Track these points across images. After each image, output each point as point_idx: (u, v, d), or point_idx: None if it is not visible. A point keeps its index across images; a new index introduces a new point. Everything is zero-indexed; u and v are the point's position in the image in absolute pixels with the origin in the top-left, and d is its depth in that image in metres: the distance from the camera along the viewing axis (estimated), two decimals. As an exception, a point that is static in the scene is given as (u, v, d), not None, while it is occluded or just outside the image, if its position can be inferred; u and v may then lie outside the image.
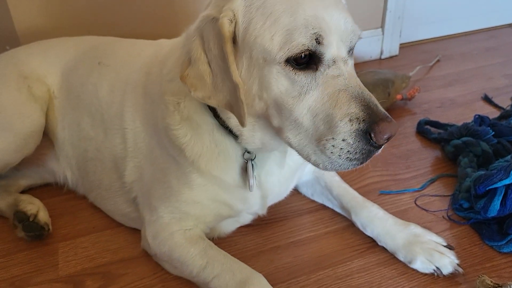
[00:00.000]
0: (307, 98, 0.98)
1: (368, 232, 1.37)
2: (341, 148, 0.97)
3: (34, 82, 1.54)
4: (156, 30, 2.09)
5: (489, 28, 2.88)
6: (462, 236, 1.38)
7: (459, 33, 2.82)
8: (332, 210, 1.50)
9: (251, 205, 1.31)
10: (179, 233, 1.26)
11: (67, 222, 1.51)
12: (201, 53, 1.03)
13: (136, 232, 1.42)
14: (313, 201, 1.55)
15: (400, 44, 2.63)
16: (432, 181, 1.61)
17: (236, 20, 1.00)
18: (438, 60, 2.50)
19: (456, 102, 2.10)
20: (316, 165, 1.03)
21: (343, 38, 0.99)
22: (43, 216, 1.45)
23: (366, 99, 0.97)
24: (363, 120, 0.95)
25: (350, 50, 1.04)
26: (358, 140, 0.96)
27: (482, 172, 1.38)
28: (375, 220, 1.36)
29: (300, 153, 1.06)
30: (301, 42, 0.94)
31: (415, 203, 1.51)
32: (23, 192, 1.59)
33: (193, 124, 1.18)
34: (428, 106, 2.09)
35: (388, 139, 0.96)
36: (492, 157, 1.58)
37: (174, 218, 1.27)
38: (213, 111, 1.17)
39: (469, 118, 1.93)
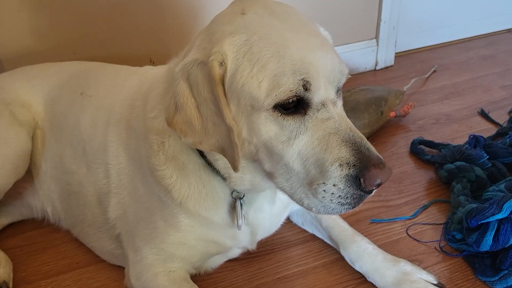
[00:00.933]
0: (296, 142, 0.95)
1: (357, 268, 1.33)
2: (332, 193, 0.94)
3: (18, 108, 1.50)
4: (145, 48, 2.05)
5: (487, 34, 2.82)
6: (455, 270, 1.34)
7: (456, 40, 2.77)
8: (322, 241, 1.46)
9: (240, 241, 1.28)
10: (163, 275, 1.23)
11: (50, 257, 1.48)
12: (188, 97, 0.99)
13: (119, 269, 1.39)
14: (303, 231, 1.51)
15: (396, 53, 2.57)
16: (425, 207, 1.56)
17: (226, 65, 0.96)
18: (434, 71, 2.44)
19: (452, 118, 2.05)
20: (309, 209, 1.00)
21: (330, 80, 0.96)
22: (3, 273, 1.37)
23: (357, 142, 0.94)
24: (353, 165, 0.92)
25: (338, 90, 1.01)
26: (348, 186, 0.93)
27: (475, 205, 1.33)
28: (364, 256, 1.32)
29: (292, 197, 1.03)
30: (289, 88, 0.91)
31: (407, 233, 1.47)
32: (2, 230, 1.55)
33: (179, 164, 1.15)
34: (423, 123, 2.04)
35: (379, 185, 0.94)
36: (486, 182, 1.54)
37: (158, 259, 1.24)
38: (199, 151, 1.13)
39: (464, 135, 1.88)
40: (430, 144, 1.83)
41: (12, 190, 1.47)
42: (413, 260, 1.36)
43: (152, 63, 2.08)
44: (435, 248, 1.41)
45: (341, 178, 0.93)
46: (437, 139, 1.88)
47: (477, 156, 1.57)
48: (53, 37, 1.92)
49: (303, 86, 0.92)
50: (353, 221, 1.51)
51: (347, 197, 0.94)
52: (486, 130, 1.95)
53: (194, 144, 1.02)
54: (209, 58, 0.95)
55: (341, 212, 0.98)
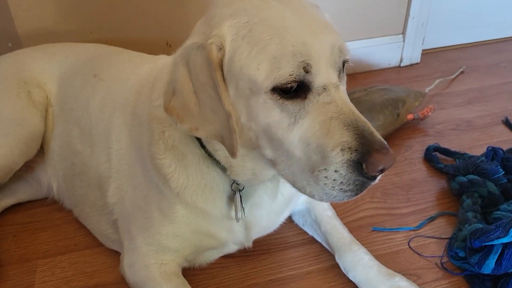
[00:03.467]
0: (297, 127, 0.92)
1: (351, 277, 1.30)
2: (334, 179, 0.91)
3: (34, 88, 1.53)
4: (163, 32, 2.03)
5: (523, 36, 2.67)
6: (453, 289, 1.29)
7: (488, 41, 2.63)
8: (320, 245, 1.43)
9: (236, 234, 1.26)
10: (155, 267, 1.23)
11: (51, 236, 1.50)
12: (186, 82, 0.98)
13: (114, 255, 1.40)
14: (302, 233, 1.48)
15: (423, 50, 2.47)
16: (431, 219, 1.51)
17: (224, 48, 0.93)
18: (461, 72, 2.34)
19: (473, 125, 1.96)
20: (311, 196, 0.97)
21: (332, 63, 0.93)
22: None
23: (360, 126, 0.90)
24: (355, 150, 0.88)
25: (340, 72, 0.97)
26: (350, 171, 0.89)
27: (480, 225, 1.27)
28: (359, 266, 1.28)
29: (294, 185, 1.00)
30: (288, 72, 0.88)
31: (409, 245, 1.42)
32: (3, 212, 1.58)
33: (178, 155, 1.14)
34: (441, 127, 1.96)
35: (382, 171, 0.90)
36: (499, 198, 1.47)
37: (151, 250, 1.24)
38: (199, 141, 1.12)
39: (484, 145, 1.79)
40: (445, 152, 1.76)
41: (24, 164, 1.50)
42: (411, 274, 1.32)
43: (169, 46, 2.05)
44: (435, 263, 1.36)
45: (342, 163, 0.89)
46: (454, 147, 1.81)
47: (492, 171, 1.50)
48: (71, 16, 1.92)
49: (303, 68, 0.89)
50: (355, 227, 1.47)
51: (349, 184, 0.91)
52: (508, 141, 1.86)
53: (190, 131, 1.00)
54: (208, 42, 0.93)
55: (343, 199, 0.94)
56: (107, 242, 1.44)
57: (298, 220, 1.52)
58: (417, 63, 2.46)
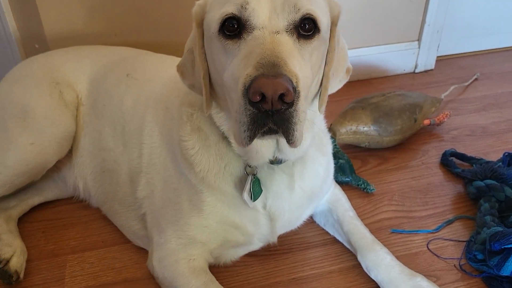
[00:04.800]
0: (231, 66, 0.98)
1: (372, 276, 1.33)
2: (236, 111, 0.93)
3: (65, 88, 1.59)
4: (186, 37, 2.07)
5: (536, 44, 2.71)
6: (472, 290, 1.33)
7: (502, 48, 2.67)
8: (341, 245, 1.47)
9: (261, 226, 1.28)
10: (184, 262, 1.27)
11: (78, 233, 1.55)
12: (188, 41, 1.14)
13: (141, 252, 1.44)
14: (324, 233, 1.52)
15: (437, 56, 2.51)
16: (449, 222, 1.54)
17: (206, 7, 1.06)
18: (475, 79, 2.37)
19: (488, 131, 2.00)
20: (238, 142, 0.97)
21: (278, 9, 0.97)
22: (16, 263, 1.37)
23: (269, 60, 0.89)
24: (250, 80, 0.88)
25: (294, 27, 0.98)
26: (243, 101, 0.90)
27: (500, 229, 1.31)
28: (381, 266, 1.31)
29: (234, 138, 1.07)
30: (229, 10, 0.97)
31: (427, 247, 1.46)
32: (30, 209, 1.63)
33: (202, 135, 1.21)
34: (457, 133, 1.99)
35: (264, 98, 0.87)
36: (516, 203, 1.50)
37: (180, 243, 1.27)
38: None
39: (499, 151, 1.83)
40: (462, 157, 1.80)
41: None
42: (430, 275, 1.35)
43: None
44: (454, 265, 1.39)
45: (240, 93, 0.90)
46: (470, 152, 1.84)
47: (510, 176, 1.53)
48: (95, 20, 1.97)
49: (241, 6, 0.96)
50: (374, 230, 1.50)
51: (243, 114, 0.91)
52: (523, 147, 1.90)
53: (189, 87, 1.16)
54: (196, 2, 1.07)
55: (244, 139, 0.93)
56: (134, 239, 1.48)
57: (319, 221, 1.55)
58: (431, 70, 2.50)
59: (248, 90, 0.88)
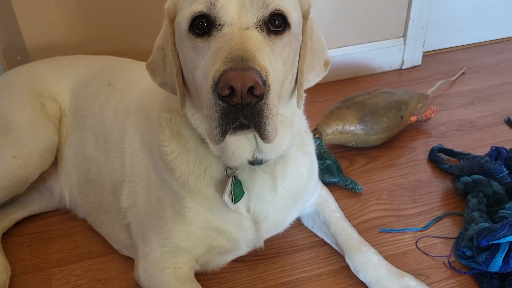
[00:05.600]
0: (202, 63, 0.97)
1: (361, 277, 1.32)
2: (207, 108, 0.93)
3: (47, 100, 1.57)
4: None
5: (522, 35, 2.70)
6: (462, 287, 1.31)
7: (488, 41, 2.67)
8: (329, 247, 1.46)
9: (246, 230, 1.27)
10: (169, 271, 1.25)
11: (64, 245, 1.53)
12: (158, 38, 1.13)
13: (127, 262, 1.43)
14: (312, 235, 1.51)
15: (424, 52, 2.50)
16: (438, 219, 1.53)
17: (178, 3, 1.05)
18: (462, 73, 2.37)
19: (476, 125, 1.99)
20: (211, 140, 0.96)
21: (247, 5, 0.97)
22: None
23: (237, 54, 0.89)
24: (218, 73, 0.88)
25: (264, 22, 0.98)
26: (214, 96, 0.89)
27: (487, 225, 1.30)
28: (369, 267, 1.30)
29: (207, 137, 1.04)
30: (199, 8, 0.97)
31: (416, 245, 1.44)
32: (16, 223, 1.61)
33: (181, 140, 1.20)
34: (445, 129, 1.98)
35: (233, 92, 0.87)
36: (504, 197, 1.49)
37: (165, 252, 1.26)
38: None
39: (487, 145, 1.82)
40: (449, 152, 1.79)
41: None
42: (420, 274, 1.34)
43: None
44: (443, 263, 1.38)
45: (210, 89, 0.89)
46: (458, 147, 1.84)
47: (496, 171, 1.52)
48: (76, 29, 1.96)
49: (210, 3, 0.96)
50: (362, 229, 1.50)
51: (213, 110, 0.90)
52: (511, 140, 1.89)
53: (161, 85, 1.15)
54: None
55: (216, 135, 0.92)
56: (121, 249, 1.46)
57: (307, 223, 1.54)
58: (418, 66, 2.49)
59: (217, 85, 0.88)
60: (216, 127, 0.92)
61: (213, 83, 0.89)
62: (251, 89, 0.87)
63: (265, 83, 0.89)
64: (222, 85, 0.87)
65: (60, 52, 1.87)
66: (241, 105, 0.89)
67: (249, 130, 0.93)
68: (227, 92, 0.87)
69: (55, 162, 1.59)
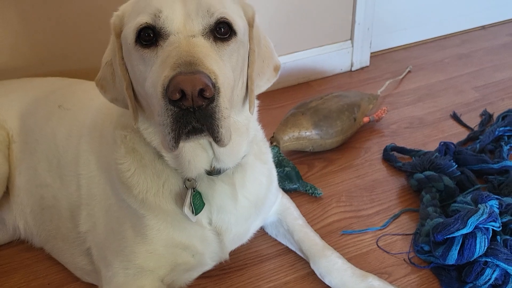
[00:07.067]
0: (151, 74, 0.98)
1: (327, 282, 1.35)
2: (158, 115, 0.92)
3: None
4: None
5: (462, 31, 2.84)
6: (422, 282, 1.36)
7: (431, 39, 2.78)
8: (295, 254, 1.48)
9: (210, 243, 1.26)
10: None
11: (22, 277, 1.47)
12: (107, 54, 1.13)
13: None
14: (277, 244, 1.52)
15: (371, 53, 2.58)
16: (395, 217, 1.58)
17: (124, 19, 1.06)
18: (409, 71, 2.45)
19: (425, 122, 2.07)
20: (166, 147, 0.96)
21: (192, 13, 0.98)
22: None
23: (185, 59, 0.91)
24: (168, 79, 0.89)
25: (209, 30, 0.99)
26: (165, 101, 0.90)
27: (441, 220, 1.35)
28: (333, 271, 1.33)
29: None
30: (143, 20, 0.98)
31: (377, 244, 1.49)
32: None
33: (137, 156, 1.19)
34: (396, 127, 2.05)
35: (184, 95, 0.87)
36: (455, 190, 1.56)
37: (128, 275, 1.23)
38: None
39: (437, 140, 1.90)
40: (402, 150, 1.85)
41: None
42: (382, 273, 1.39)
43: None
44: (404, 259, 1.43)
45: (160, 95, 0.90)
46: (410, 144, 1.91)
47: (446, 166, 1.59)
48: (20, 51, 1.89)
49: (155, 15, 0.97)
50: (325, 233, 1.53)
51: (164, 116, 0.91)
52: (458, 134, 1.98)
53: (112, 101, 1.15)
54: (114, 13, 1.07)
55: (169, 141, 0.92)
56: (83, 276, 1.42)
57: (271, 232, 1.55)
58: (367, 66, 2.56)
59: (167, 90, 0.88)
60: (169, 133, 0.92)
61: (163, 89, 0.89)
62: (201, 92, 0.88)
63: (214, 85, 0.90)
64: (172, 89, 0.87)
65: (5, 76, 1.80)
66: (192, 108, 0.89)
67: (203, 134, 0.94)
68: (178, 96, 0.87)
69: (6, 192, 1.52)
